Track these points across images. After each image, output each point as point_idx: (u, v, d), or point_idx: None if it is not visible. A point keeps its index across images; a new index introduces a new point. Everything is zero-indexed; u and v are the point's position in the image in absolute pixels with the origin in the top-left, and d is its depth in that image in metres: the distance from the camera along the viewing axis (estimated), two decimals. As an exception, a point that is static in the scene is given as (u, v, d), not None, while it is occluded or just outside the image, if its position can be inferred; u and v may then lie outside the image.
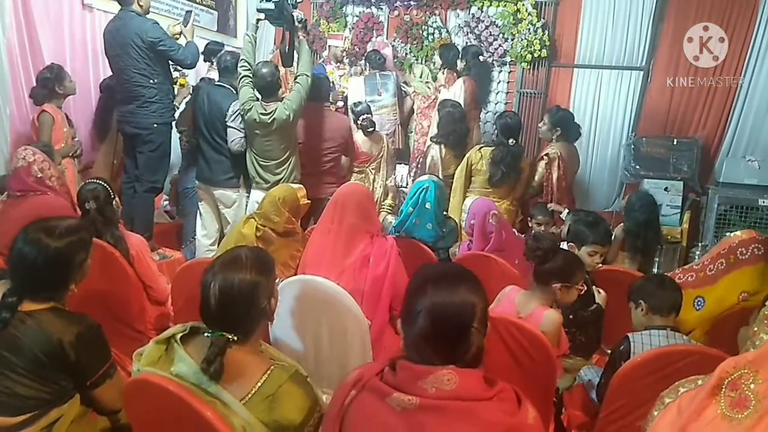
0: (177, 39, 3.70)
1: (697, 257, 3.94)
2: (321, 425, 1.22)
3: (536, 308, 2.01)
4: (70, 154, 3.53)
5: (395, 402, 1.04)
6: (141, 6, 3.43)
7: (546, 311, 1.98)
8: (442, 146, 3.93)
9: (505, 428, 1.02)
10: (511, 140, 3.56)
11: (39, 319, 1.49)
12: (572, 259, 2.12)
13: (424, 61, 5.50)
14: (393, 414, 1.04)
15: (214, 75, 4.35)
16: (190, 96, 4.07)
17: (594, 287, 2.39)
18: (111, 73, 3.75)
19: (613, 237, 3.09)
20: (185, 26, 3.78)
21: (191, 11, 3.92)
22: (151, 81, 3.46)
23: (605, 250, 2.52)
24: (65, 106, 3.60)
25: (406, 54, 5.60)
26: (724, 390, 0.98)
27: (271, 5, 3.32)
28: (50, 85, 3.40)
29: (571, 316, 2.31)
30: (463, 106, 4.13)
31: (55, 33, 3.74)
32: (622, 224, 3.13)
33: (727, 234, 2.46)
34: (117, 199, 2.54)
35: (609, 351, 2.10)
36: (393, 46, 5.59)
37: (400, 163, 4.54)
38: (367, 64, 4.99)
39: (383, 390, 1.07)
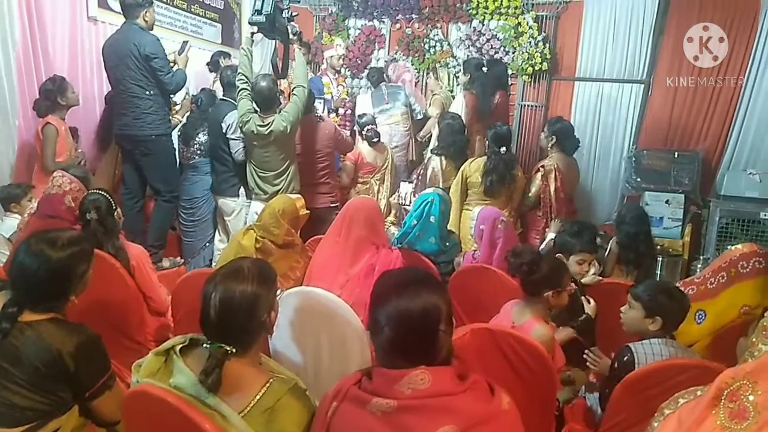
0: (171, 66, 3.73)
1: (698, 270, 3.92)
2: None
3: (528, 320, 2.02)
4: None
5: (375, 407, 1.08)
6: (146, 21, 3.47)
7: (535, 326, 1.97)
8: (443, 158, 3.95)
9: (481, 416, 1.05)
10: (502, 148, 3.59)
11: (39, 329, 1.49)
12: (556, 265, 2.13)
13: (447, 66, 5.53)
14: (374, 419, 1.07)
15: (218, 84, 4.42)
16: (191, 110, 4.10)
17: (584, 297, 2.39)
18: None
19: (607, 251, 3.10)
20: (179, 55, 3.84)
21: (188, 42, 4.00)
22: (147, 93, 3.49)
23: (593, 257, 2.50)
24: (71, 117, 3.62)
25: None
26: (723, 401, 0.98)
27: (262, 18, 3.33)
28: (53, 96, 3.41)
29: (560, 328, 2.32)
30: (464, 120, 4.15)
31: (61, 45, 3.77)
32: (615, 237, 3.14)
33: (729, 247, 2.45)
34: (119, 209, 2.54)
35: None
36: (395, 59, 5.63)
37: (405, 181, 4.55)
38: (369, 82, 5.03)
39: (362, 398, 1.11)
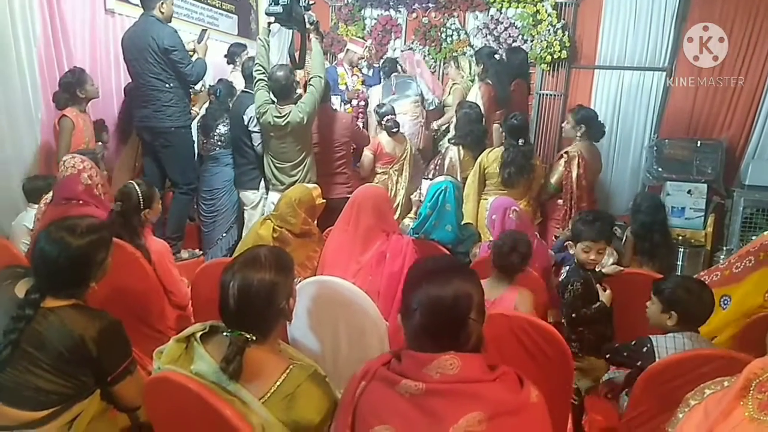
0: (191, 56, 3.76)
1: (721, 261, 3.85)
2: (333, 419, 1.23)
3: (506, 291, 2.14)
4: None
5: (403, 389, 1.08)
6: (162, 12, 3.48)
7: (516, 294, 2.14)
8: (460, 147, 3.92)
9: (509, 406, 1.05)
10: (520, 140, 3.56)
11: (61, 315, 1.52)
12: (524, 236, 2.30)
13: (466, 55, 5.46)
14: (403, 400, 1.08)
15: (235, 75, 4.44)
16: (210, 101, 4.12)
17: (599, 285, 2.38)
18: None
19: (623, 240, 3.06)
20: (199, 43, 3.86)
21: (207, 30, 4.02)
22: (167, 85, 3.51)
23: (599, 246, 2.44)
24: (92, 110, 3.65)
25: (424, 56, 5.58)
26: (751, 392, 0.95)
27: (279, 9, 3.33)
28: (72, 88, 3.43)
29: (573, 315, 2.33)
30: (484, 111, 4.11)
31: (80, 38, 3.81)
32: (630, 227, 3.09)
33: (753, 237, 2.40)
34: (150, 210, 2.49)
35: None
36: (411, 48, 5.58)
37: (426, 179, 4.50)
38: (381, 72, 4.99)
39: (392, 378, 1.12)
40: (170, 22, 3.58)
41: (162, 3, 3.47)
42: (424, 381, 1.07)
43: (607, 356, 2.09)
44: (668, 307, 1.93)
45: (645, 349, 1.88)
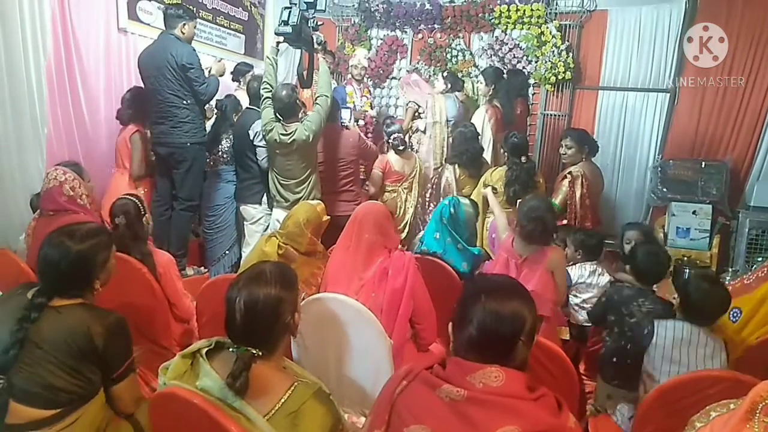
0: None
1: (727, 282, 3.83)
2: (370, 413, 1.25)
3: (540, 248, 2.36)
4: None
5: (444, 393, 1.11)
6: (183, 33, 3.56)
7: (552, 251, 2.36)
8: (456, 166, 3.94)
9: (548, 426, 1.06)
10: (522, 158, 3.60)
11: (69, 312, 1.58)
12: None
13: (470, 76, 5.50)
14: (442, 403, 1.11)
15: (239, 94, 4.49)
16: (216, 116, 4.17)
17: None
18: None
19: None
20: (218, 62, 3.98)
21: (222, 59, 4.17)
22: (184, 102, 3.56)
23: None
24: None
25: (430, 76, 5.62)
26: (758, 415, 0.95)
27: (288, 29, 3.38)
28: (135, 105, 3.61)
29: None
30: (491, 133, 4.14)
31: (93, 56, 3.86)
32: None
33: (759, 258, 2.40)
34: (148, 215, 2.60)
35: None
36: (417, 69, 5.64)
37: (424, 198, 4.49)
38: (448, 83, 4.83)
39: (434, 381, 1.15)
40: (191, 44, 3.63)
41: (184, 24, 3.54)
42: (466, 388, 1.09)
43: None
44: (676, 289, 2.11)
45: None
